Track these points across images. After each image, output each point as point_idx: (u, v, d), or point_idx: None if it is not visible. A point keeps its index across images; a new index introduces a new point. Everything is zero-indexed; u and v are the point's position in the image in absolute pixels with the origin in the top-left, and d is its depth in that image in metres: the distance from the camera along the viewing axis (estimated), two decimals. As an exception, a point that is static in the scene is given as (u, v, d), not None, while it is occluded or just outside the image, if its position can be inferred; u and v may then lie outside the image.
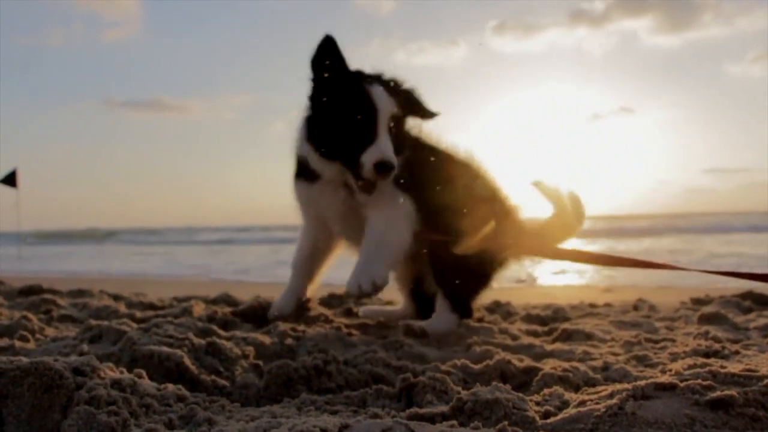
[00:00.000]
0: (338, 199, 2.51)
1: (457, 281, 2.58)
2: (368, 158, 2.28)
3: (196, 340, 2.00)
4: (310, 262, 2.82)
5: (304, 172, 2.57)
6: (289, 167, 2.68)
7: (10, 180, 12.76)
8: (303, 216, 2.74)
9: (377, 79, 2.42)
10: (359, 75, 2.42)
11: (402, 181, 2.46)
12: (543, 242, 2.61)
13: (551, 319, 3.10)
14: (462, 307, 2.65)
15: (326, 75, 2.39)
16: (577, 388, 1.67)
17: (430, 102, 2.56)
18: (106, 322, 2.27)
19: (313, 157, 2.46)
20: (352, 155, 2.32)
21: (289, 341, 2.22)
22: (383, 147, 2.29)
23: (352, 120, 2.32)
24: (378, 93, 2.34)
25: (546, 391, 1.56)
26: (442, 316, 2.58)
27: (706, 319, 2.80)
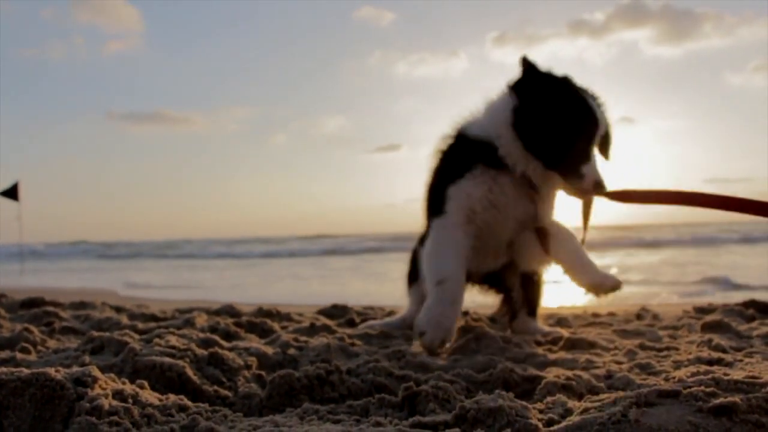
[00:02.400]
0: (525, 202, 2.50)
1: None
2: (590, 173, 2.37)
3: (199, 351, 2.00)
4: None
5: (492, 163, 2.44)
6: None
7: (12, 193, 12.78)
8: (462, 218, 2.48)
9: (589, 94, 2.45)
10: (576, 87, 2.43)
11: None
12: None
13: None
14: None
15: (543, 77, 2.39)
16: (580, 397, 1.66)
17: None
18: (107, 334, 2.26)
19: (520, 157, 2.41)
20: (572, 167, 2.37)
21: (291, 351, 2.22)
22: (598, 166, 2.41)
23: (578, 133, 2.36)
24: (600, 111, 2.41)
25: (549, 399, 1.56)
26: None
27: (709, 328, 2.79)
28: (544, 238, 2.54)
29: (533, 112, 2.37)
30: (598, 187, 2.38)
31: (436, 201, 2.54)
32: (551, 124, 2.35)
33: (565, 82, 2.42)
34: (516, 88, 2.42)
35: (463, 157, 2.50)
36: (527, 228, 2.56)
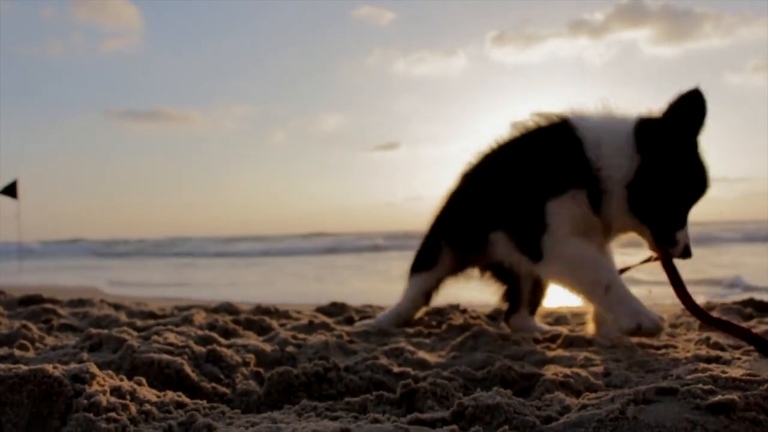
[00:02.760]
0: (599, 237, 2.48)
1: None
2: (682, 240, 2.33)
3: (197, 348, 2.00)
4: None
5: (595, 197, 2.36)
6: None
7: (11, 191, 12.78)
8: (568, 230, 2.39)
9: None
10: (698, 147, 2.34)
11: None
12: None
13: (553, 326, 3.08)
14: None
15: (684, 134, 2.31)
16: (578, 394, 1.66)
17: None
18: (106, 331, 2.26)
19: (620, 204, 2.35)
20: (668, 230, 2.34)
21: (289, 348, 2.22)
22: (689, 231, 2.35)
23: (691, 199, 2.34)
24: (711, 177, 2.35)
25: (547, 396, 1.56)
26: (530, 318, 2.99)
27: (707, 326, 2.78)
28: None
29: (655, 169, 2.30)
30: (686, 255, 2.35)
31: (531, 211, 2.43)
32: (671, 185, 2.30)
33: (694, 142, 2.34)
34: (650, 132, 2.33)
35: (569, 167, 2.39)
36: None
